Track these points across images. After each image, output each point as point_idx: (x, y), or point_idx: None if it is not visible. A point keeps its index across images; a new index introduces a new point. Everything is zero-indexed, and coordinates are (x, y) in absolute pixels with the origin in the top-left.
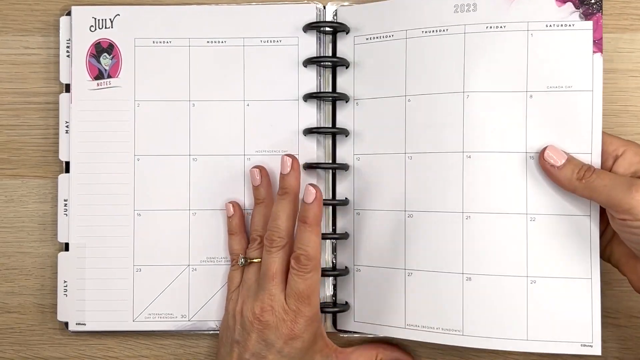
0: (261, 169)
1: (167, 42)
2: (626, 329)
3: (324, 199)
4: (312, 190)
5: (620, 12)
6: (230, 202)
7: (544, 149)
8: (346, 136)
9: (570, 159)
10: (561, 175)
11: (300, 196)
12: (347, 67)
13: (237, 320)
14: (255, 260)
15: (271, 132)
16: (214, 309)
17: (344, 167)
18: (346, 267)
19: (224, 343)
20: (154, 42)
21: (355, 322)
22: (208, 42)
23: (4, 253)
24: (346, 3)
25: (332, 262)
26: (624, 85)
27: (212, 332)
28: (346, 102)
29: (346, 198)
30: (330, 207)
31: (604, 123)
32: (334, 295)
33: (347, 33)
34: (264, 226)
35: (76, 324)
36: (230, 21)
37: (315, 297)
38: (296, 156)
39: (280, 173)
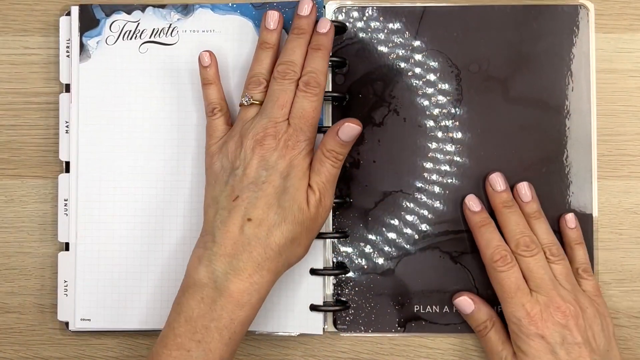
0: (279, 13)
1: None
2: (626, 329)
3: None
4: (327, 21)
5: (620, 12)
6: (205, 51)
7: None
8: None
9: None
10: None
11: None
12: (346, 67)
13: (236, 155)
14: (257, 102)
15: None
16: None
17: (343, 166)
18: (346, 266)
19: (214, 190)
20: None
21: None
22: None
23: (4, 253)
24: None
25: (332, 262)
26: (624, 85)
27: None
28: (345, 101)
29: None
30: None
31: (604, 123)
32: (334, 294)
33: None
34: (269, 69)
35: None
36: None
37: (316, 121)
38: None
39: (297, 14)
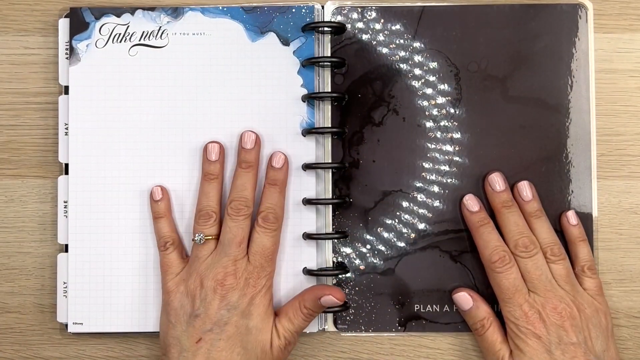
0: (220, 145)
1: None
2: (626, 329)
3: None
4: (282, 155)
5: (620, 12)
6: (157, 186)
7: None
8: (343, 136)
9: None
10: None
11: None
12: (345, 67)
13: (196, 295)
14: (210, 237)
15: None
16: None
17: (343, 166)
18: (346, 266)
19: (174, 329)
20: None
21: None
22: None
23: (4, 253)
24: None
25: (333, 262)
26: (624, 85)
27: None
28: (344, 100)
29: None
30: (331, 206)
31: (604, 123)
32: None
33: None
34: (218, 202)
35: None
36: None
37: (275, 256)
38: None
39: (242, 147)
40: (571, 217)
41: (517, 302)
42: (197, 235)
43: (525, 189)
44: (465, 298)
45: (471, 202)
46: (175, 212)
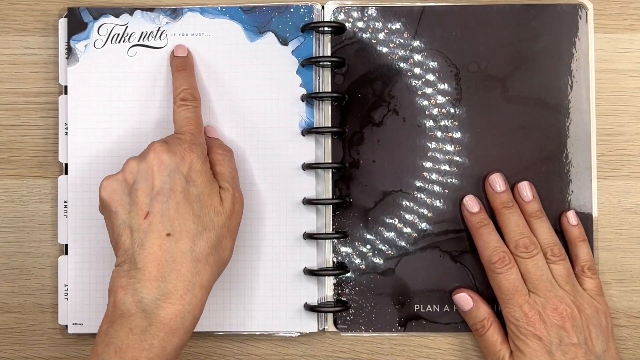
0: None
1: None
2: (626, 329)
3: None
4: (184, 46)
5: (620, 12)
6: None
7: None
8: (343, 136)
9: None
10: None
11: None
12: (345, 67)
13: (129, 171)
14: None
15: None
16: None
17: (343, 166)
18: (346, 266)
19: (118, 217)
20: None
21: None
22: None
23: (4, 253)
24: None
25: (333, 262)
26: (624, 85)
27: (213, 332)
28: (344, 100)
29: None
30: (331, 206)
31: (604, 123)
32: (335, 295)
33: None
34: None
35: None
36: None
37: (202, 127)
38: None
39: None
40: (571, 217)
41: (517, 302)
42: None
43: (525, 189)
44: (465, 299)
45: (471, 203)
46: None
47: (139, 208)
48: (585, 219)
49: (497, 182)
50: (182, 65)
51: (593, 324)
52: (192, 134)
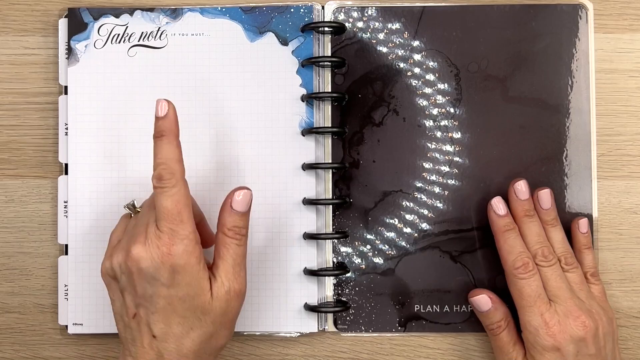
0: (169, 102)
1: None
2: (626, 329)
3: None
4: (164, 103)
5: (620, 12)
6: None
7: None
8: (343, 136)
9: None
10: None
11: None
12: (345, 67)
13: (116, 268)
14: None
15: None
16: None
17: (343, 166)
18: (346, 266)
19: (114, 305)
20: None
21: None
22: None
23: (4, 253)
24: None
25: (333, 262)
26: (624, 85)
27: None
28: (344, 100)
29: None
30: (331, 206)
31: (604, 123)
32: (335, 295)
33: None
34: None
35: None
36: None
37: (187, 213)
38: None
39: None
40: (582, 226)
41: (538, 310)
42: (130, 204)
43: (546, 197)
44: (484, 300)
45: (501, 206)
46: None
47: (127, 307)
48: None
49: (522, 189)
50: (159, 130)
51: (606, 332)
52: (171, 226)
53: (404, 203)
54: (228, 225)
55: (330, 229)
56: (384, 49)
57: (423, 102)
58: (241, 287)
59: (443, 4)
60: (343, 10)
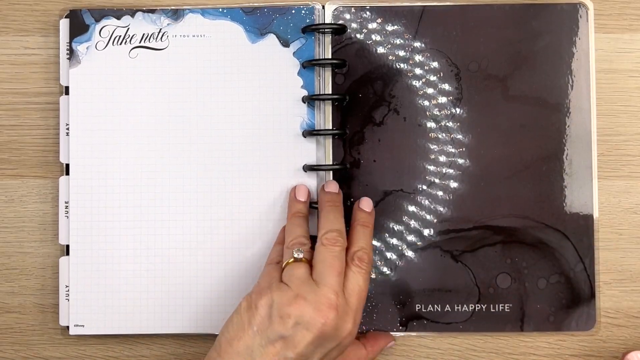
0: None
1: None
2: (626, 329)
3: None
4: (370, 201)
5: (620, 12)
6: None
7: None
8: (344, 136)
9: None
10: None
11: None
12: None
13: (291, 314)
14: (303, 259)
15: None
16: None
17: (343, 167)
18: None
19: (251, 339)
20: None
21: None
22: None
23: (5, 253)
24: (347, 3)
25: None
26: (624, 85)
27: (213, 333)
28: (345, 102)
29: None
30: None
31: (604, 123)
32: None
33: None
34: (306, 235)
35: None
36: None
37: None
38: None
39: (325, 191)
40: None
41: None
42: (296, 251)
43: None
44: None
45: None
46: (182, 220)
47: (271, 354)
48: (586, 219)
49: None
50: (365, 221)
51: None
52: (358, 302)
53: (404, 202)
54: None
55: None
56: (385, 49)
57: (423, 102)
58: (359, 319)
59: (443, 4)
60: (344, 11)
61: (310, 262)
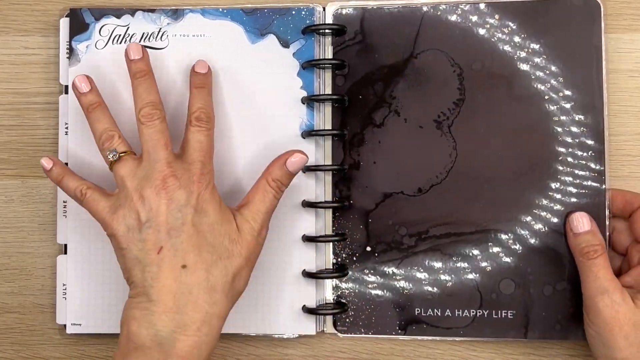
0: (88, 76)
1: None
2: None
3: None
4: (205, 62)
5: (620, 12)
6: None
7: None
8: (344, 137)
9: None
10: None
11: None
12: (346, 69)
13: (139, 209)
14: (125, 153)
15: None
16: None
17: (343, 168)
18: (346, 268)
19: (130, 252)
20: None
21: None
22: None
23: (4, 253)
24: (348, 4)
25: (333, 264)
26: (624, 85)
27: None
28: (345, 103)
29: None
30: (331, 208)
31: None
32: (335, 296)
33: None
34: (113, 124)
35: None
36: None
37: (212, 156)
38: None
39: (130, 59)
40: None
41: None
42: (109, 153)
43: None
44: (587, 219)
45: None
46: None
47: (152, 244)
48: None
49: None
50: (201, 82)
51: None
52: (201, 162)
53: (405, 205)
54: (274, 176)
55: (330, 231)
56: (385, 50)
57: (424, 103)
58: (265, 232)
59: (445, 2)
60: (344, 12)
61: (131, 152)
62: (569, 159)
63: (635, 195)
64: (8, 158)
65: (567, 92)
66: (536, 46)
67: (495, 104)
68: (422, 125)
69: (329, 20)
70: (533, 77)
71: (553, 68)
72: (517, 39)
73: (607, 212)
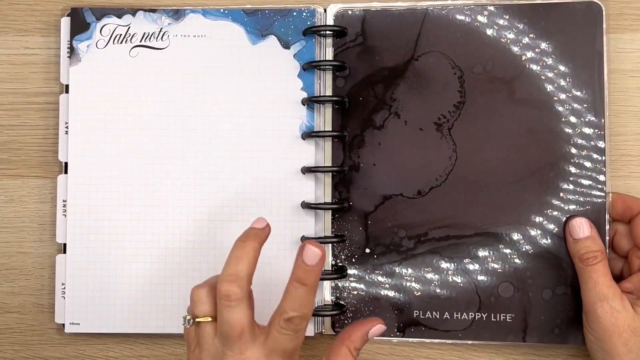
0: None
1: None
2: None
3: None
4: (317, 251)
5: (620, 12)
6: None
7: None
8: (344, 139)
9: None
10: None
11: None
12: (347, 70)
13: None
14: (204, 320)
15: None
16: None
17: (342, 170)
18: (345, 270)
19: None
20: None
21: None
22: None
23: (4, 253)
24: (348, 5)
25: (331, 266)
26: (624, 85)
27: None
28: (345, 104)
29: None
30: (330, 210)
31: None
32: (333, 297)
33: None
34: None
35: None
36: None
37: (297, 355)
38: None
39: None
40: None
41: None
42: (187, 316)
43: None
44: (587, 224)
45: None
46: (178, 219)
47: None
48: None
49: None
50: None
51: None
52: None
53: (404, 207)
54: (357, 346)
55: (329, 233)
56: (386, 52)
57: (425, 105)
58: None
59: (447, 3)
60: (345, 13)
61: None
62: (571, 162)
63: (636, 200)
64: (8, 158)
65: (569, 95)
66: (537, 50)
67: (495, 107)
68: (422, 127)
69: (330, 21)
70: (533, 80)
71: (555, 71)
72: (519, 41)
73: (607, 217)
